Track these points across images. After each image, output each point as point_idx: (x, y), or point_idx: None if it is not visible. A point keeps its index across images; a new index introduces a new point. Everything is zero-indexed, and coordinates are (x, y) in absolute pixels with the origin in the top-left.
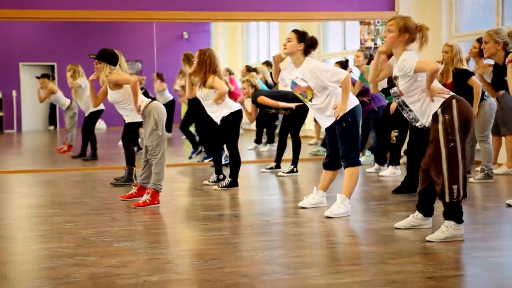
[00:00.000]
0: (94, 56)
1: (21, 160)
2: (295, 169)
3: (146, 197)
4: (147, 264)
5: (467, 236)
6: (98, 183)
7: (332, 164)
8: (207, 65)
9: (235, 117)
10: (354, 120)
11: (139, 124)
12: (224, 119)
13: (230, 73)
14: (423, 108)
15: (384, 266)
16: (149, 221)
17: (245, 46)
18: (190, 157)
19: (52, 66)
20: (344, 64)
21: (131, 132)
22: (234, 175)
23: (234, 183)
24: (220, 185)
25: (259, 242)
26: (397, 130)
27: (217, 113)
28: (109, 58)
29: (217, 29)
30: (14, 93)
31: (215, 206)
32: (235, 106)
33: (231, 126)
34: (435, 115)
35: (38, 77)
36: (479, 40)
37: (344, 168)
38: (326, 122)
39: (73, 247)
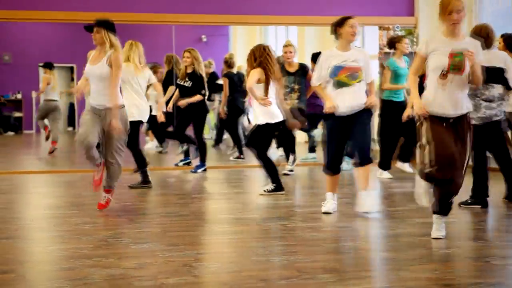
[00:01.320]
0: (94, 23)
1: (40, 160)
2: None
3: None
4: (164, 267)
5: (487, 244)
6: (117, 184)
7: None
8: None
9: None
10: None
11: (140, 123)
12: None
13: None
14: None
15: (402, 273)
16: (167, 223)
17: None
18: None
19: (72, 68)
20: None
21: (134, 134)
22: (276, 180)
23: (279, 188)
24: (266, 190)
25: (277, 247)
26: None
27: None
28: (108, 24)
29: (235, 32)
30: (33, 94)
31: (233, 209)
32: (277, 117)
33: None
34: None
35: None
36: (502, 35)
37: (364, 165)
38: (356, 106)
39: (91, 248)
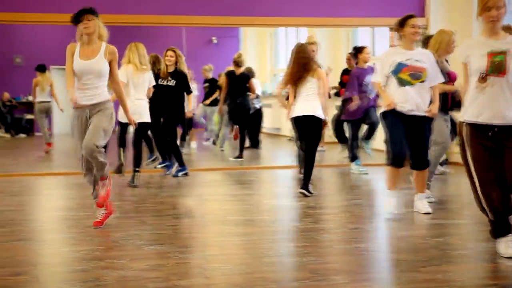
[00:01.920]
0: (87, 9)
1: (52, 162)
2: None
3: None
4: (176, 268)
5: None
6: (128, 187)
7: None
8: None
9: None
10: None
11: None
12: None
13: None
14: None
15: (414, 274)
16: (179, 225)
17: (274, 51)
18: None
19: None
20: None
21: (141, 134)
22: (309, 178)
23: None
24: (305, 192)
25: (288, 248)
26: None
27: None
28: (96, 12)
29: (246, 34)
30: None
31: (244, 211)
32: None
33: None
34: None
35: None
36: None
37: (422, 169)
38: (418, 105)
39: (103, 250)
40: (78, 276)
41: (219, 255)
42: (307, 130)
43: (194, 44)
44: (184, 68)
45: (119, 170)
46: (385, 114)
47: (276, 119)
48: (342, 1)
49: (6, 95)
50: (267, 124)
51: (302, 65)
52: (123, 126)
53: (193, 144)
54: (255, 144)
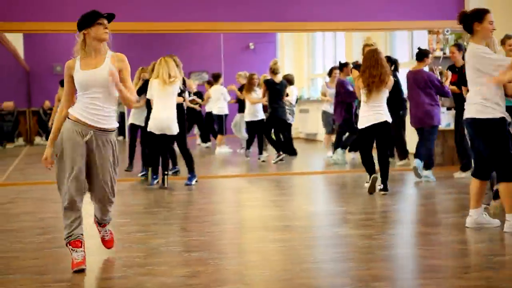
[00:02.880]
0: (110, 14)
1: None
2: None
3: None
4: (216, 275)
5: None
6: (165, 193)
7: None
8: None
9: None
10: None
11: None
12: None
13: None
14: None
15: (456, 281)
16: (218, 231)
17: (311, 56)
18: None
19: None
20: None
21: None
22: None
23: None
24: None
25: (328, 254)
26: None
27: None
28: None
29: (283, 39)
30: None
31: (282, 217)
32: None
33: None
34: None
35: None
36: None
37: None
38: None
39: (144, 256)
40: (119, 283)
41: (258, 261)
42: (379, 136)
43: (231, 50)
44: (181, 75)
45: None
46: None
47: (313, 124)
48: (379, 4)
49: (47, 104)
50: (303, 129)
51: (379, 76)
52: (134, 129)
53: (222, 149)
54: (291, 152)
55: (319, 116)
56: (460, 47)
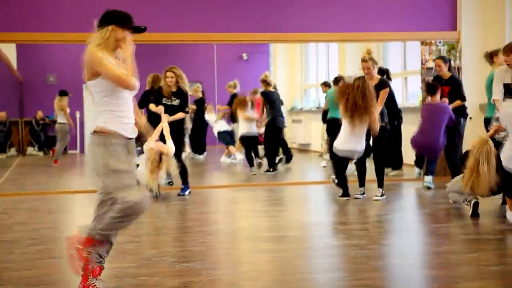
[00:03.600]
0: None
1: (84, 180)
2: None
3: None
4: (209, 285)
5: None
6: (158, 203)
7: None
8: None
9: None
10: None
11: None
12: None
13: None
14: None
15: None
16: (211, 242)
17: (304, 66)
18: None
19: None
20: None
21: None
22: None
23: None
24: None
25: (321, 264)
26: None
27: None
28: None
29: (276, 50)
30: (77, 114)
31: (275, 227)
32: None
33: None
34: None
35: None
36: None
37: None
38: None
39: (136, 267)
40: None
41: (251, 271)
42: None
43: (224, 61)
44: (186, 87)
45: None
46: None
47: (306, 135)
48: (372, 15)
49: (40, 114)
50: (296, 139)
51: (364, 108)
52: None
53: (238, 156)
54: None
55: (313, 126)
56: (445, 60)
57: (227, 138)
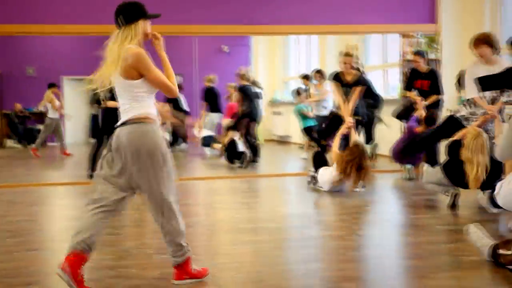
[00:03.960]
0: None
1: (63, 172)
2: None
3: None
4: None
5: None
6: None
7: None
8: None
9: None
10: None
11: None
12: None
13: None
14: None
15: (426, 281)
16: (190, 233)
17: (285, 59)
18: None
19: None
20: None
21: None
22: None
23: None
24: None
25: (299, 255)
26: None
27: None
28: None
29: (257, 42)
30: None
31: (255, 219)
32: None
33: None
34: None
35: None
36: None
37: None
38: None
39: (115, 259)
40: (89, 285)
41: (231, 263)
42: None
43: (205, 53)
44: None
45: None
46: None
47: (286, 127)
48: (352, 8)
49: (18, 106)
50: (276, 131)
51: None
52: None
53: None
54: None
55: (292, 119)
56: (422, 55)
57: (209, 141)
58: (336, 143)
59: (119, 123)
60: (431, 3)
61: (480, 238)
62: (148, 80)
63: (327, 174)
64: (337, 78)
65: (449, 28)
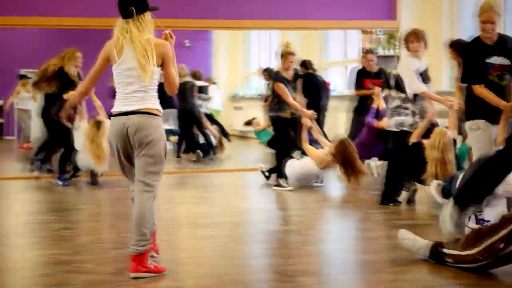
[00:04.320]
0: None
1: (19, 166)
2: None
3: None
4: None
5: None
6: (96, 189)
7: None
8: None
9: None
10: None
11: None
12: None
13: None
14: None
15: (381, 275)
16: None
17: (247, 53)
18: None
19: None
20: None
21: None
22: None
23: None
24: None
25: (258, 250)
26: None
27: None
28: None
29: (218, 37)
30: (15, 100)
31: (214, 213)
32: None
33: None
34: None
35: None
36: None
37: None
38: None
39: (71, 254)
40: (44, 280)
41: (188, 258)
42: None
43: None
44: (69, 70)
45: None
46: None
47: None
48: (314, 4)
49: None
50: (237, 126)
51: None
52: None
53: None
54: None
55: (254, 114)
56: (375, 53)
57: (168, 134)
58: (304, 136)
59: (127, 109)
60: (391, 0)
61: (415, 242)
62: (167, 70)
63: (299, 166)
64: (281, 77)
65: (408, 25)
